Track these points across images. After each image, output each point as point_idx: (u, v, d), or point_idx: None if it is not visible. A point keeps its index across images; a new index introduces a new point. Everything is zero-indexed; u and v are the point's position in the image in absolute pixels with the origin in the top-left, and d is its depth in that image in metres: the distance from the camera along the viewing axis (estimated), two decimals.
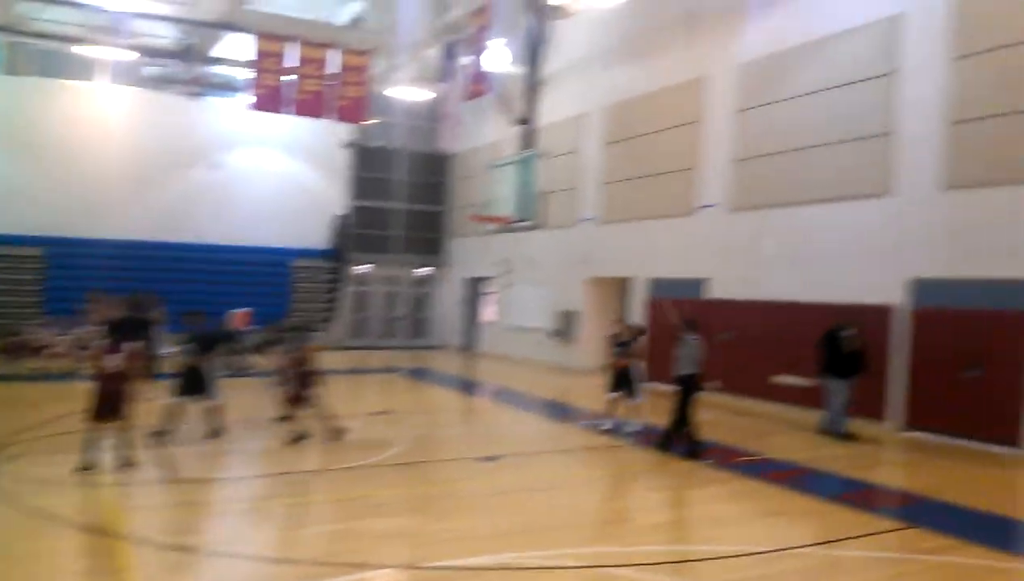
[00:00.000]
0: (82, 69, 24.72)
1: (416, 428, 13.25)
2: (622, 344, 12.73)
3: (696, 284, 17.31)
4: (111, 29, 20.44)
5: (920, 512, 8.58)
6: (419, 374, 21.06)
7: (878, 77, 13.89)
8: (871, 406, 13.18)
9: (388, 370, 21.49)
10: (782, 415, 14.50)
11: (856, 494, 9.21)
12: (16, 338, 17.73)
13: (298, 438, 11.01)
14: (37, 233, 23.67)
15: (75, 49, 21.94)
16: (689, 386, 10.99)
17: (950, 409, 12.29)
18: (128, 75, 25.07)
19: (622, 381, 12.57)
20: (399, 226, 29.46)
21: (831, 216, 14.55)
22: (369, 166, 28.94)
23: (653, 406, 12.93)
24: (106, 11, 19.61)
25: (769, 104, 16.01)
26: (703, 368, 11.18)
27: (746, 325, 15.61)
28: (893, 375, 13.21)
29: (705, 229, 17.43)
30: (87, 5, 19.13)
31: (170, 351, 19.21)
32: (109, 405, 9.18)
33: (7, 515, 7.64)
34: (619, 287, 20.82)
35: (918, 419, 12.84)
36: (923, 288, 13.01)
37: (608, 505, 9.18)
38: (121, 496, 8.46)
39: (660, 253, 18.66)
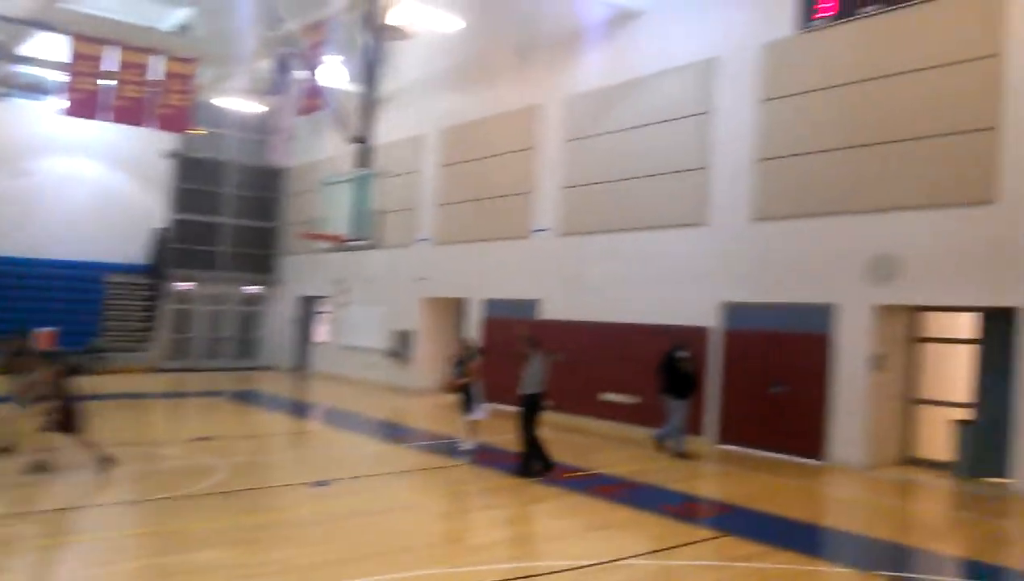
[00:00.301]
0: None
1: (241, 454, 12.64)
2: (460, 363, 12.80)
3: (530, 305, 17.70)
4: None
5: (735, 521, 9.14)
6: (246, 397, 20.15)
7: (696, 115, 14.82)
8: (689, 422, 13.96)
9: (212, 393, 20.39)
10: (611, 431, 15.05)
11: (678, 506, 9.67)
12: None
13: (39, 468, 10.09)
14: None
15: None
16: (534, 405, 11.07)
17: (760, 424, 13.24)
18: None
19: (464, 400, 12.65)
20: (227, 242, 28.16)
21: (654, 243, 15.34)
22: (194, 178, 27.47)
23: (490, 425, 13.05)
24: None
25: (597, 135, 16.70)
26: (546, 387, 11.31)
27: (576, 345, 16.09)
28: (710, 392, 14.06)
29: (538, 252, 17.89)
30: None
31: None
32: None
33: None
34: (455, 307, 20.92)
35: (732, 434, 13.74)
36: (735, 311, 13.96)
37: (443, 526, 9.13)
38: None
39: (496, 274, 18.95)
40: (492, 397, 13.60)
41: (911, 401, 12.86)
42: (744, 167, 13.97)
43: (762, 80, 13.88)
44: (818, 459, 12.52)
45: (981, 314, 11.91)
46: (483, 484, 10.88)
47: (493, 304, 19.00)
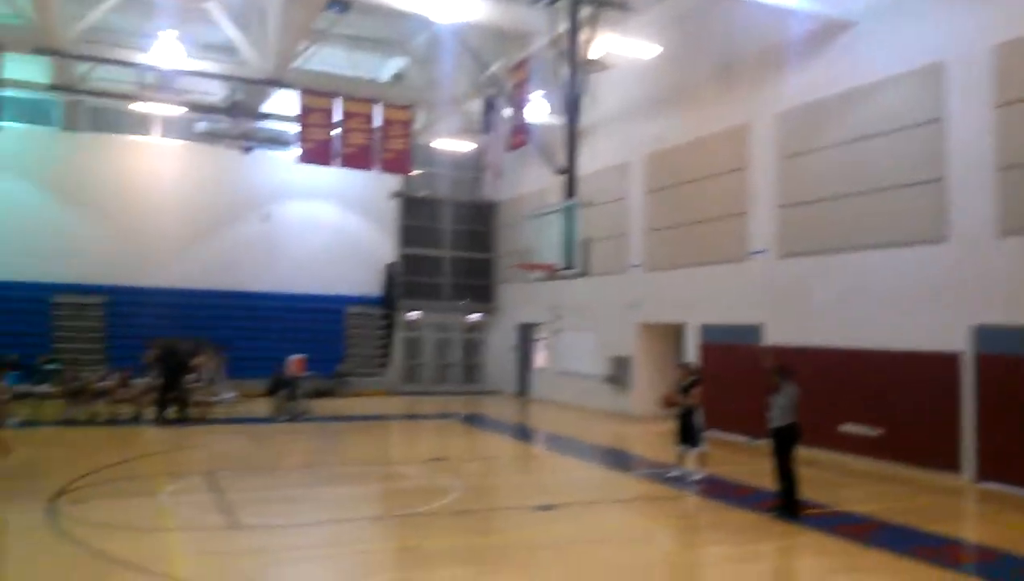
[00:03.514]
0: (136, 124, 25.54)
1: (472, 475, 13.21)
2: (683, 390, 12.57)
3: (749, 330, 17.06)
4: (163, 86, 21.18)
5: (1003, 569, 8.22)
6: (473, 420, 21.01)
7: (923, 124, 13.69)
8: (943, 456, 12.77)
9: (443, 416, 21.51)
10: (851, 465, 14.06)
11: (930, 548, 8.83)
12: (77, 383, 18.15)
13: None
14: (99, 282, 24.43)
15: (129, 106, 22.75)
16: (791, 438, 10.44)
17: None
18: (181, 130, 25.79)
19: (686, 429, 12.42)
20: (448, 273, 29.84)
21: (885, 262, 14.27)
22: (416, 215, 29.48)
23: (715, 455, 12.67)
24: (158, 69, 20.37)
25: (815, 151, 15.91)
26: (800, 418, 10.56)
27: (805, 373, 15.22)
28: (964, 424, 12.76)
29: (756, 275, 17.26)
30: (140, 64, 19.97)
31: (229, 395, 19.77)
32: None
33: (76, 558, 7.79)
34: (672, 333, 20.63)
35: (991, 470, 12.33)
36: (986, 335, 12.60)
37: (671, 559, 8.92)
38: (184, 542, 8.52)
39: (712, 299, 18.49)
40: (711, 425, 13.23)
41: None
42: (985, 177, 12.67)
43: (997, 83, 12.59)
44: None
45: None
46: (712, 518, 10.58)
47: (710, 329, 18.54)
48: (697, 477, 12.24)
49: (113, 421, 17.65)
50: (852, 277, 14.93)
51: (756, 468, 12.48)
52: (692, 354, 18.57)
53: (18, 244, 23.66)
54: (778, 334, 16.33)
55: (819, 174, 15.82)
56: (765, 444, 10.98)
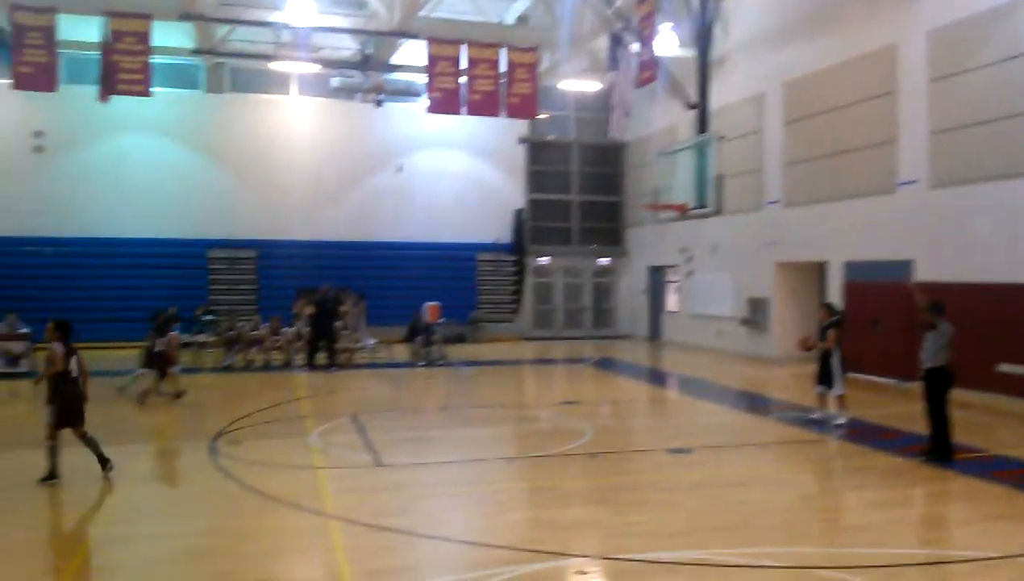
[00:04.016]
0: (275, 83, 26.51)
1: (604, 418, 13.28)
2: (822, 330, 12.05)
3: (897, 267, 16.07)
4: (297, 44, 21.95)
5: None
6: (605, 364, 21.02)
7: None
8: None
9: (575, 360, 21.61)
10: (1007, 407, 13.12)
11: None
12: (232, 332, 19.41)
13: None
14: (250, 237, 25.91)
15: (267, 65, 23.65)
16: (944, 380, 9.82)
17: None
18: (317, 87, 26.65)
19: (824, 371, 11.93)
20: (577, 217, 29.72)
21: None
22: (543, 160, 29.39)
23: (861, 397, 12.13)
24: (292, 27, 21.01)
25: (970, 70, 14.56)
26: (954, 358, 9.89)
27: (960, 310, 14.19)
28: None
29: (905, 207, 16.16)
30: (275, 23, 20.64)
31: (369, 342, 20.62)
32: None
33: (234, 494, 8.40)
34: (812, 272, 19.76)
35: None
36: None
37: (809, 503, 8.62)
38: (332, 479, 9.03)
39: (856, 234, 17.50)
40: (857, 367, 12.63)
41: None
42: None
43: None
44: None
45: None
46: (856, 462, 10.15)
47: (854, 267, 17.60)
48: (840, 420, 11.79)
49: (266, 367, 18.87)
50: (1016, 206, 13.72)
51: (904, 411, 11.91)
52: (834, 293, 17.75)
53: (176, 203, 25.39)
54: (930, 269, 15.31)
55: (976, 95, 14.52)
56: (915, 386, 10.38)
